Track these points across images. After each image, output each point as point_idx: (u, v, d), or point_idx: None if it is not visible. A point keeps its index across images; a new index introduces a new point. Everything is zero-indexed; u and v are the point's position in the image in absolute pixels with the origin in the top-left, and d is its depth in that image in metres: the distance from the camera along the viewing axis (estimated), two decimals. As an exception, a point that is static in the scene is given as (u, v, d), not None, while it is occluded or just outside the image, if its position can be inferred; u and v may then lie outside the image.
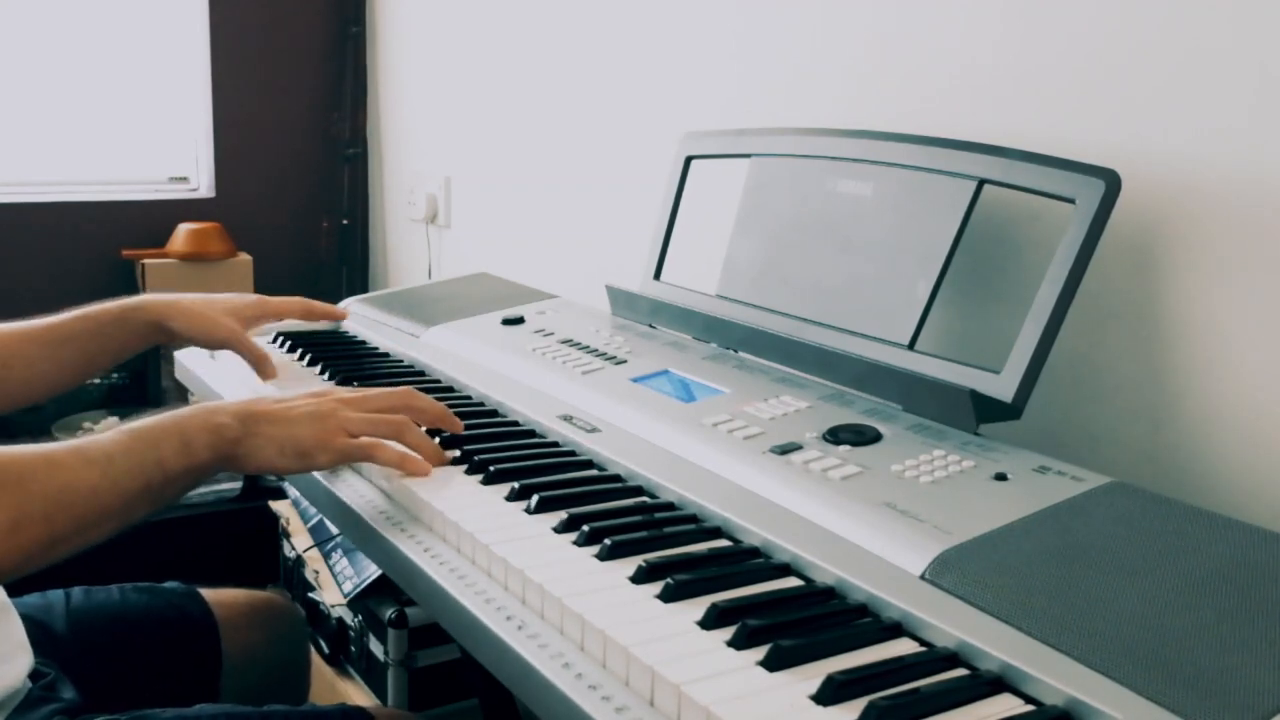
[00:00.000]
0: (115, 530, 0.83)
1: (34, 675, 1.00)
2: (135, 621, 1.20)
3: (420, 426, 0.98)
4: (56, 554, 0.79)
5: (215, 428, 0.89)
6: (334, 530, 1.89)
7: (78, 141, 2.60)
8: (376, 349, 1.40)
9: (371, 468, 0.97)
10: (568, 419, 1.06)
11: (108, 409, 2.45)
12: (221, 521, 2.31)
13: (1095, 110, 1.08)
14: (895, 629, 0.70)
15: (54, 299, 2.51)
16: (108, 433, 0.85)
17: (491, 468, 0.94)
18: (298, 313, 1.39)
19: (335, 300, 1.68)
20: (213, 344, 1.27)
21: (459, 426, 1.01)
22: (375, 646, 1.72)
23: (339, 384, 1.22)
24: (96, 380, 2.39)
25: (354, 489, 0.96)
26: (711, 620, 0.69)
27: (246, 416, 0.91)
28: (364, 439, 0.93)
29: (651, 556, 0.77)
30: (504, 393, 1.15)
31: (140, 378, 2.49)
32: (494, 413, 1.13)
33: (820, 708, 0.61)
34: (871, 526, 0.80)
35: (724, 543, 0.83)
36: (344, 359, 1.33)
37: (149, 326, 1.21)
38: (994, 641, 0.66)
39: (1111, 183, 0.94)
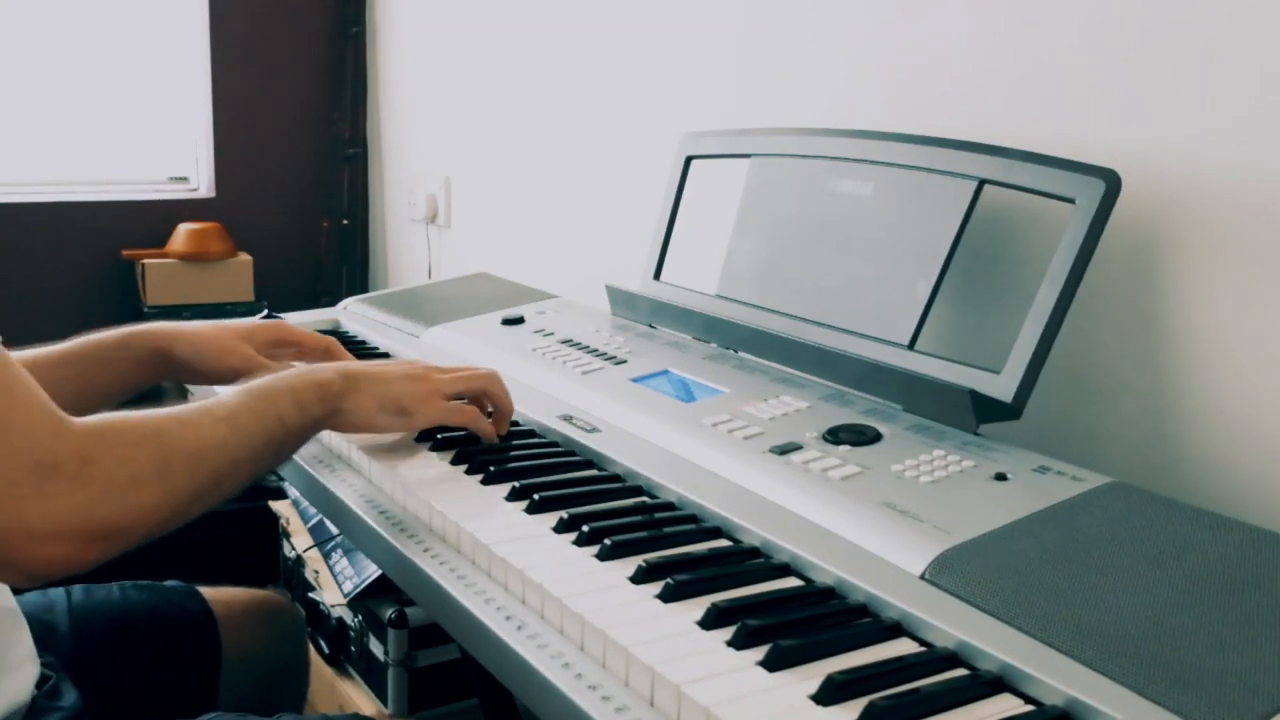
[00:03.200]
0: (246, 484, 0.85)
1: (38, 680, 1.00)
2: (135, 619, 1.20)
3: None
4: (199, 508, 0.80)
5: (321, 383, 0.93)
6: (334, 530, 1.89)
7: (78, 141, 2.60)
8: (376, 349, 1.40)
9: (372, 466, 0.98)
10: (568, 419, 1.06)
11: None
12: (221, 521, 2.29)
13: (1095, 110, 1.08)
14: (895, 629, 0.70)
15: (54, 299, 2.54)
16: (225, 392, 0.88)
17: (491, 468, 0.94)
18: (318, 351, 1.19)
19: (335, 300, 1.68)
20: (223, 374, 1.10)
21: (504, 428, 1.04)
22: (375, 647, 1.72)
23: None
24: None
25: (354, 489, 0.97)
26: (711, 620, 0.69)
27: (348, 374, 0.96)
28: (465, 405, 1.01)
29: (651, 556, 0.77)
30: (504, 393, 1.15)
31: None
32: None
33: (820, 708, 0.61)
34: (871, 526, 0.80)
35: (724, 543, 0.83)
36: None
37: (151, 354, 1.08)
38: (994, 641, 0.66)
39: (1111, 183, 0.94)
